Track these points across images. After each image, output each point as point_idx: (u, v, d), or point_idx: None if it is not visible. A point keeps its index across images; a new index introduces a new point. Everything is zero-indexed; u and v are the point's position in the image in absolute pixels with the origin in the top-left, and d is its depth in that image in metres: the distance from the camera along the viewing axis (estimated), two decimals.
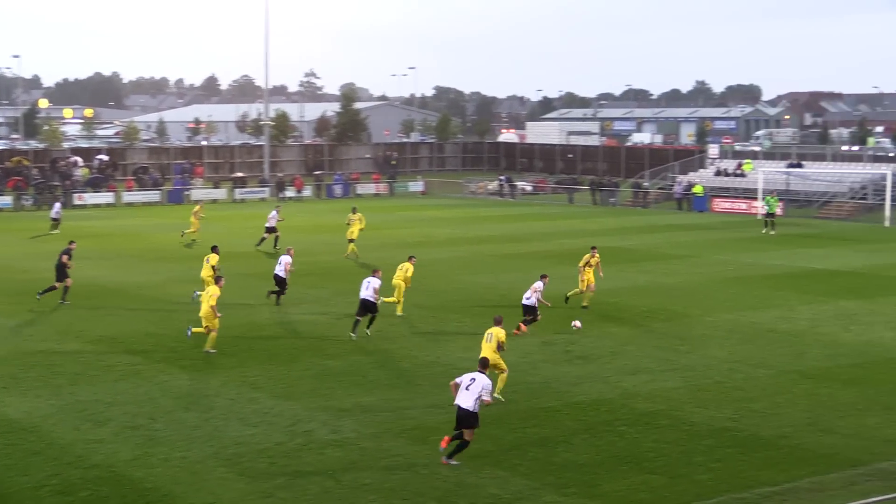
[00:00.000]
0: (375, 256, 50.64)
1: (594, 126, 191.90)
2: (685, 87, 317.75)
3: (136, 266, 48.25)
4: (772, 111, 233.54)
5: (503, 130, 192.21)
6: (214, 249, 39.45)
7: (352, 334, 32.82)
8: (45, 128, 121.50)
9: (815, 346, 32.00)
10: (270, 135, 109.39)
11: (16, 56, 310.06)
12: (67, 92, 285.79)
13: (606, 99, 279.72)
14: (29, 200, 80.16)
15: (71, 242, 40.58)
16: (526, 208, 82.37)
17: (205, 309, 30.73)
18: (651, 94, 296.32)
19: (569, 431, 23.25)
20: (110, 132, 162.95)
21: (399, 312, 36.01)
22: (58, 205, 64.99)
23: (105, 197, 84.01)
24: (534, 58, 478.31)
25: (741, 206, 78.72)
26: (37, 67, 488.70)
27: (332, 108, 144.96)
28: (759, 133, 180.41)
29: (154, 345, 31.79)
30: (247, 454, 21.78)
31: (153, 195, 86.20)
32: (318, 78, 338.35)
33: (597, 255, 38.30)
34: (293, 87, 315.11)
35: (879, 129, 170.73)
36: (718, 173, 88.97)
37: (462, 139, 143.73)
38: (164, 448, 22.11)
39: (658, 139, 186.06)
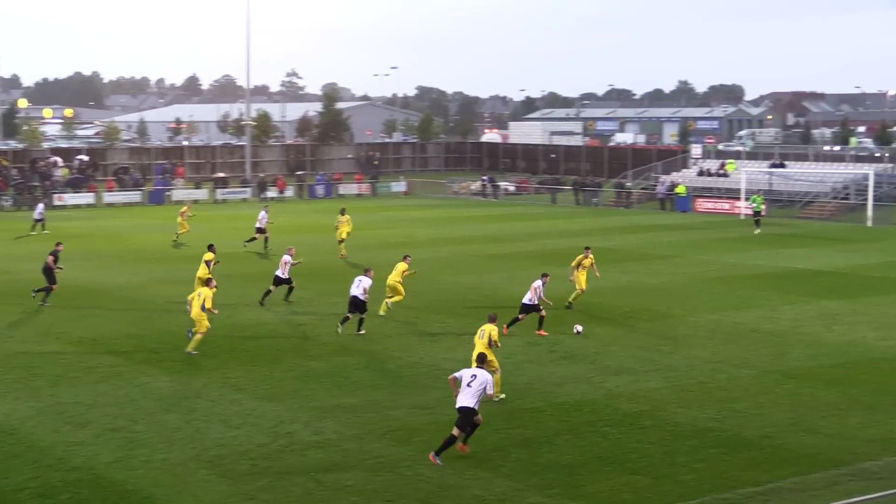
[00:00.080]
0: (357, 257, 50.61)
1: (577, 126, 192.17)
2: (668, 86, 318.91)
3: (117, 267, 48.04)
4: (754, 111, 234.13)
5: (486, 130, 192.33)
6: (211, 248, 39.32)
7: (339, 326, 33.05)
8: (25, 128, 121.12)
9: (798, 346, 32.02)
10: (252, 135, 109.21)
11: None
12: (47, 92, 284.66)
13: (589, 99, 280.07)
14: (8, 201, 79.84)
15: (58, 244, 40.39)
16: (509, 208, 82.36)
17: (196, 310, 30.50)
18: (634, 94, 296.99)
19: (552, 432, 23.19)
20: (90, 132, 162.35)
21: (381, 312, 35.91)
22: (41, 205, 64.73)
23: (85, 197, 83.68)
24: (516, 58, 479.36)
25: (724, 206, 78.86)
26: (16, 67, 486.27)
27: (314, 108, 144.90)
28: (741, 133, 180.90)
29: (135, 346, 31.62)
30: (229, 456, 21.64)
31: (134, 196, 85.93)
32: (299, 78, 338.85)
33: (590, 255, 38.11)
34: (275, 87, 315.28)
35: (862, 129, 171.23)
36: (701, 173, 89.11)
37: (444, 139, 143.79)
38: (145, 450, 21.95)
39: (641, 139, 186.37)
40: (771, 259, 51.54)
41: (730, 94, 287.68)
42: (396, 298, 36.21)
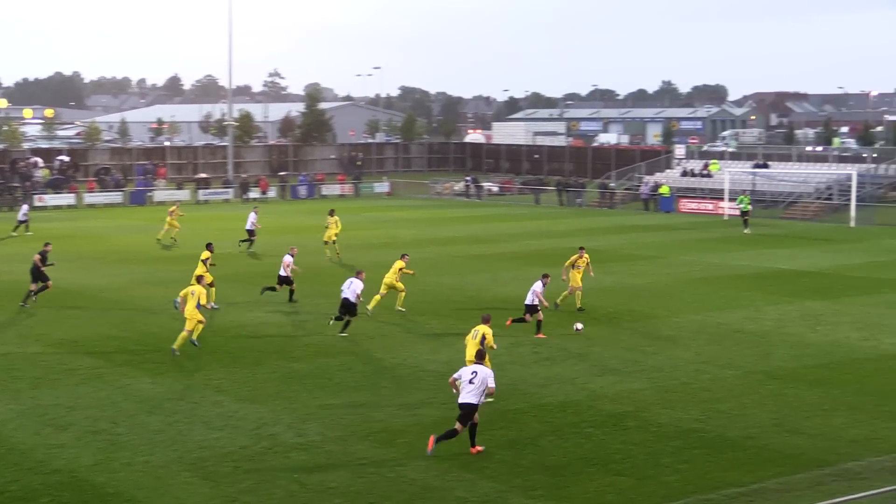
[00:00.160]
0: (331, 259, 50.51)
1: (560, 126, 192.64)
2: (651, 87, 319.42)
3: (98, 268, 47.80)
4: (738, 111, 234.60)
5: (469, 131, 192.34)
6: (209, 247, 39.07)
7: (331, 319, 33.36)
8: (5, 128, 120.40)
9: (782, 346, 32.05)
10: (234, 135, 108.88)
11: None
12: (27, 92, 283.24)
13: (573, 99, 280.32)
14: None
15: (46, 244, 40.18)
16: (492, 209, 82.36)
17: (190, 308, 30.48)
18: (617, 95, 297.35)
19: (536, 433, 23.14)
20: (71, 132, 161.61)
21: (369, 307, 35.96)
22: (25, 206, 64.50)
23: (66, 198, 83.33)
24: (500, 58, 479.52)
25: (708, 206, 79.02)
26: None
27: (296, 109, 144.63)
28: (725, 133, 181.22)
29: (116, 348, 31.45)
30: (211, 458, 21.52)
31: (115, 196, 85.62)
32: (282, 78, 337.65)
33: (585, 255, 38.01)
34: (257, 87, 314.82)
35: (844, 129, 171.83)
36: (685, 174, 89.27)
37: (428, 140, 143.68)
38: (126, 452, 21.81)
39: (624, 139, 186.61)
40: (754, 259, 51.62)
41: (713, 94, 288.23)
42: (401, 295, 36.59)
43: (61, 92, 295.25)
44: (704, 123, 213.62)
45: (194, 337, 30.86)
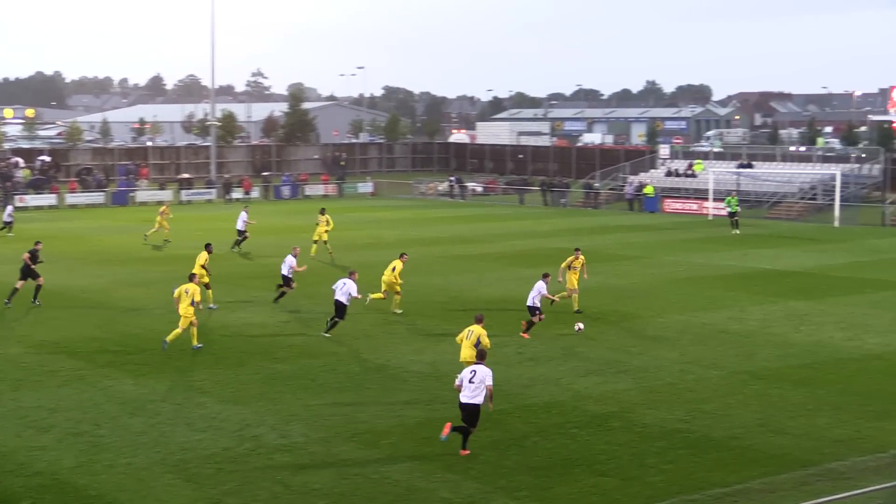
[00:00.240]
0: (321, 259, 50.38)
1: (545, 126, 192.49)
2: (636, 87, 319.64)
3: (80, 269, 47.56)
4: (722, 111, 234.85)
5: (453, 131, 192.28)
6: (207, 248, 38.89)
7: (326, 334, 33.08)
8: None
9: (766, 346, 32.07)
10: (217, 135, 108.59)
11: None
12: (8, 91, 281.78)
13: (557, 99, 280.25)
14: None
15: (37, 243, 39.98)
16: (476, 209, 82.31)
17: (185, 306, 30.48)
18: (601, 95, 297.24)
19: (520, 434, 23.08)
20: (52, 132, 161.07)
21: (396, 309, 36.46)
22: (10, 207, 64.19)
23: (47, 199, 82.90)
24: (484, 57, 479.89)
25: (692, 206, 79.09)
26: None
27: (279, 109, 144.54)
28: (709, 133, 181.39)
29: (98, 349, 31.28)
30: (194, 460, 21.41)
31: (97, 197, 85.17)
32: (265, 78, 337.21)
33: (581, 256, 37.90)
34: (240, 87, 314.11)
35: (828, 129, 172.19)
36: (669, 174, 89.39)
37: (411, 139, 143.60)
38: (108, 454, 21.69)
39: (609, 139, 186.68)
40: (739, 259, 51.69)
41: (697, 94, 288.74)
42: (378, 296, 36.39)
43: (42, 91, 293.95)
44: (689, 123, 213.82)
45: (194, 342, 30.85)
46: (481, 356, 22.34)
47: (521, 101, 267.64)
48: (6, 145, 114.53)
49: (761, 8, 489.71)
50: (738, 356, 30.77)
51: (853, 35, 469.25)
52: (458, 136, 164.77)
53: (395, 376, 28.29)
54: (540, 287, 33.14)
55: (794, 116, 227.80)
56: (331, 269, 46.52)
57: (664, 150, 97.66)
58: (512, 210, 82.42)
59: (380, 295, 36.50)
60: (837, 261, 51.50)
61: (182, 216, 72.36)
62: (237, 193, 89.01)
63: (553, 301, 35.16)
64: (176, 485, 20.10)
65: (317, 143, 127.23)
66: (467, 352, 25.48)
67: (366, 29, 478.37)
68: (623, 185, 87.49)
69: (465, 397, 21.68)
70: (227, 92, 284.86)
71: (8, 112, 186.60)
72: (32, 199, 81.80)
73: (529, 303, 33.14)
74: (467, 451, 21.78)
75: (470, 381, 21.61)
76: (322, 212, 53.02)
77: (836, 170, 76.73)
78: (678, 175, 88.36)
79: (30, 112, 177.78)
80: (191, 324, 30.70)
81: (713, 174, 79.44)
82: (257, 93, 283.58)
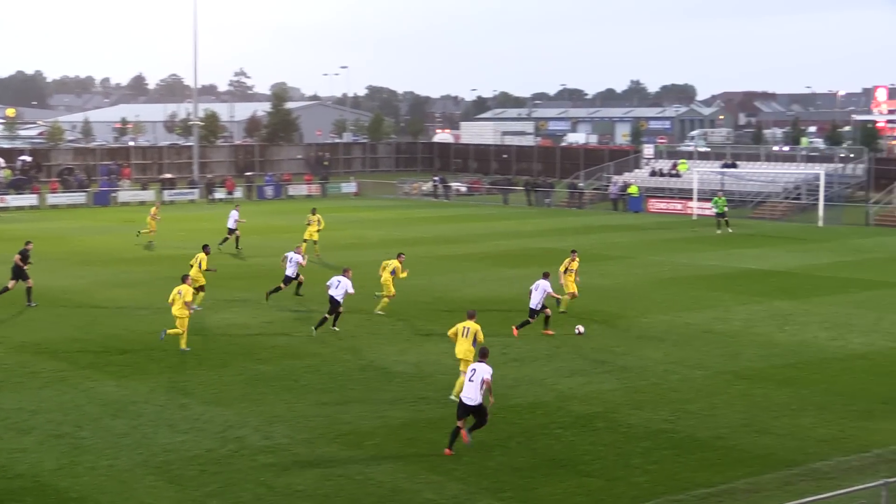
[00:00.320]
0: (310, 258, 50.16)
1: (529, 126, 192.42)
2: (620, 86, 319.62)
3: (62, 269, 47.31)
4: (706, 111, 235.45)
5: (437, 130, 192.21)
6: (205, 249, 38.79)
7: (334, 327, 33.18)
8: None
9: (750, 346, 32.07)
10: (199, 135, 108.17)
11: None
12: None
13: (541, 99, 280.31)
14: None
15: (27, 242, 39.82)
16: (460, 209, 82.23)
17: (178, 308, 30.51)
18: (586, 94, 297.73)
19: (505, 435, 23.01)
20: (34, 132, 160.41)
21: (378, 310, 36.59)
22: None
23: (28, 199, 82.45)
24: (468, 57, 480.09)
25: (676, 206, 79.14)
26: None
27: (262, 108, 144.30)
28: (693, 133, 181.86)
29: (80, 350, 31.10)
30: (177, 462, 21.30)
31: (78, 197, 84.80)
32: (248, 77, 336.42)
33: (576, 258, 37.86)
34: (223, 87, 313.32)
35: (812, 129, 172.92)
36: (654, 173, 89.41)
37: (395, 139, 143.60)
38: (90, 456, 21.55)
39: (593, 139, 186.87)
40: (723, 259, 51.74)
41: (682, 94, 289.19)
42: (382, 293, 36.72)
43: (23, 91, 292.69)
44: (673, 123, 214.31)
45: (182, 346, 30.75)
46: (483, 354, 22.46)
47: (505, 100, 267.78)
48: None
49: (746, 7, 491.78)
50: (722, 356, 30.76)
51: (837, 35, 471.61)
52: (442, 136, 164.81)
53: (378, 377, 28.20)
54: (545, 287, 33.10)
55: (779, 116, 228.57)
56: (318, 268, 46.32)
57: (648, 150, 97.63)
58: (496, 210, 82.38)
59: (384, 293, 36.94)
60: (821, 260, 51.60)
61: (164, 216, 72.12)
62: (220, 194, 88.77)
63: (559, 300, 35.13)
64: (158, 487, 19.97)
65: (300, 143, 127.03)
66: (463, 348, 25.62)
67: (349, 28, 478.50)
68: (607, 185, 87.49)
69: (465, 398, 21.77)
70: (209, 91, 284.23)
71: None
72: (13, 200, 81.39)
73: (533, 305, 33.07)
74: (450, 452, 21.76)
75: (470, 381, 21.75)
76: (313, 211, 53.06)
77: (819, 169, 76.93)
78: (662, 175, 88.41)
79: (10, 112, 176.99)
80: (184, 321, 30.75)
81: (697, 174, 79.53)
82: (240, 92, 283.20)
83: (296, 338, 32.84)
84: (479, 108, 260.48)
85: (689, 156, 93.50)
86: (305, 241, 51.24)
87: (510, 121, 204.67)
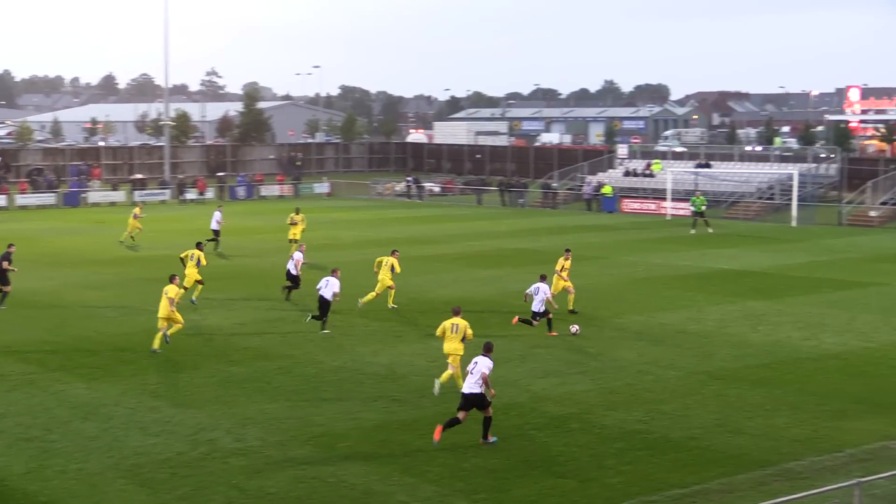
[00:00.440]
0: (277, 261, 50.04)
1: (502, 126, 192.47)
2: (594, 86, 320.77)
3: (31, 271, 46.71)
4: (680, 111, 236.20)
5: (411, 130, 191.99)
6: (199, 246, 39.00)
7: (325, 331, 33.25)
8: None
9: (724, 346, 32.10)
10: (171, 135, 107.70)
11: None
12: None
13: (514, 98, 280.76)
14: None
15: (10, 245, 39.48)
16: (434, 210, 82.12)
17: (164, 307, 30.54)
18: (559, 94, 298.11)
19: (478, 436, 22.88)
20: (2, 132, 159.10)
21: (391, 304, 37.32)
22: None
23: None
24: (441, 57, 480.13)
25: (650, 206, 79.25)
26: None
27: (234, 108, 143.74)
28: (667, 133, 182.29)
29: (49, 353, 30.85)
30: (147, 465, 21.12)
31: (48, 198, 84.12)
32: (219, 77, 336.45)
33: (570, 257, 37.78)
34: (194, 86, 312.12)
35: (786, 129, 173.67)
36: (627, 173, 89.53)
37: (368, 139, 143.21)
38: (60, 460, 21.34)
39: (567, 139, 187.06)
40: (697, 259, 51.81)
41: (655, 93, 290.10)
42: (370, 296, 36.96)
43: None
44: (647, 123, 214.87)
45: (154, 345, 30.70)
46: (487, 349, 22.82)
47: (479, 100, 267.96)
48: None
49: (719, 7, 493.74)
50: (696, 356, 30.77)
51: (810, 35, 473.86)
52: (416, 136, 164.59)
53: (351, 378, 28.07)
54: (544, 290, 33.20)
55: (752, 116, 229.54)
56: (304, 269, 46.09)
57: (622, 150, 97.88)
58: (469, 210, 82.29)
59: (391, 294, 37.48)
60: (795, 260, 51.74)
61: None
62: (191, 194, 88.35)
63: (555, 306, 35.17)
64: (129, 490, 19.80)
65: (272, 143, 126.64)
66: (451, 345, 25.88)
67: (322, 28, 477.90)
68: (581, 185, 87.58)
69: (466, 388, 22.23)
70: (181, 91, 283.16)
71: None
72: None
73: (535, 308, 33.13)
74: (491, 439, 22.37)
75: (471, 373, 22.18)
76: (297, 211, 53.06)
77: (793, 169, 77.16)
78: (636, 175, 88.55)
79: None
80: (167, 324, 30.75)
81: (671, 174, 79.65)
82: (212, 92, 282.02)
83: (268, 339, 32.68)
84: (452, 107, 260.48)
85: (663, 156, 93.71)
86: (292, 241, 51.25)
87: (484, 121, 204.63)
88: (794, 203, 71.72)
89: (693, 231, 63.89)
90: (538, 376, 28.34)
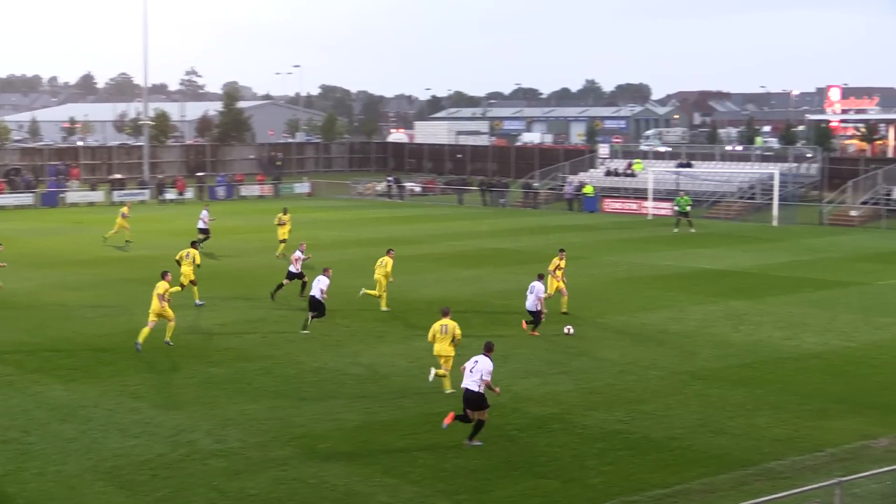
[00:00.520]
0: (257, 261, 50.00)
1: (483, 125, 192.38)
2: (575, 86, 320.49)
3: (8, 272, 46.24)
4: (661, 110, 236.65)
5: (391, 130, 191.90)
6: (194, 245, 39.26)
7: (305, 331, 33.14)
8: None
9: (706, 346, 32.11)
10: (150, 135, 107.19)
11: None
12: None
13: (496, 98, 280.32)
14: None
15: None
16: (415, 209, 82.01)
17: (154, 304, 30.52)
18: (541, 94, 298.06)
19: (460, 437, 22.79)
20: None
21: (383, 307, 36.86)
22: None
23: None
24: (422, 56, 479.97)
25: (632, 206, 79.27)
26: None
27: (214, 108, 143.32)
28: (648, 133, 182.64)
29: (27, 354, 30.63)
30: (127, 466, 20.98)
31: (26, 198, 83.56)
32: (199, 76, 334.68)
33: (564, 257, 37.69)
34: (173, 86, 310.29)
35: (767, 128, 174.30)
36: (609, 173, 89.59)
37: (349, 139, 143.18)
38: (38, 462, 21.18)
39: (548, 139, 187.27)
40: (678, 259, 51.86)
41: (637, 93, 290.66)
42: (373, 293, 37.08)
43: None
44: (628, 123, 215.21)
45: (139, 339, 30.69)
46: (488, 348, 22.93)
47: (460, 100, 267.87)
48: None
49: (700, 6, 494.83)
50: (677, 356, 30.77)
51: (791, 34, 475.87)
52: (397, 136, 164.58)
53: (332, 379, 27.96)
54: (539, 289, 33.12)
55: (733, 115, 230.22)
56: (278, 272, 46.00)
57: (604, 150, 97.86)
58: (451, 210, 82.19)
59: (383, 296, 37.27)
60: (776, 260, 51.83)
61: (114, 217, 71.38)
62: (171, 194, 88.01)
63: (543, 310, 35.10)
64: (108, 492, 19.68)
65: (252, 143, 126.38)
66: (441, 346, 25.95)
67: (302, 27, 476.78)
68: (562, 185, 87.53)
69: (465, 384, 22.39)
70: (160, 91, 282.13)
71: None
72: None
73: (530, 307, 33.05)
74: (473, 443, 22.32)
75: (471, 371, 22.31)
76: (285, 211, 52.98)
77: (774, 169, 77.39)
78: (618, 175, 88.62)
79: None
80: (154, 321, 30.73)
81: (653, 174, 79.71)
82: (191, 91, 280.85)
83: (248, 340, 32.54)
84: (433, 107, 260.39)
85: (645, 155, 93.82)
86: (280, 241, 51.27)
87: (465, 120, 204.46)
88: (776, 203, 71.89)
89: (676, 230, 64.00)
90: (520, 376, 28.27)
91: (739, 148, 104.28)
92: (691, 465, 21.32)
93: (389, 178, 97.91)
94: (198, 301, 37.74)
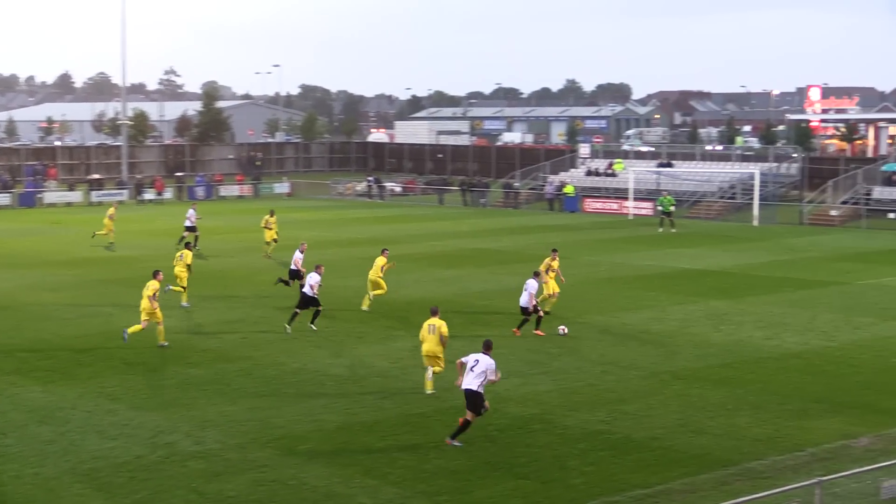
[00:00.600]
0: (237, 261, 49.81)
1: (464, 125, 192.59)
2: (556, 85, 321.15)
3: None
4: (642, 110, 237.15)
5: (372, 130, 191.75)
6: (188, 246, 39.35)
7: (287, 326, 33.22)
8: None
9: (687, 346, 32.11)
10: (128, 135, 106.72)
11: None
12: None
13: (476, 98, 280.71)
14: None
15: None
16: (395, 210, 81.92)
17: (144, 303, 30.55)
18: (521, 93, 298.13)
19: (441, 438, 22.77)
20: None
21: (364, 307, 37.04)
22: None
23: None
24: (402, 56, 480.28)
25: (612, 206, 79.32)
26: None
27: (193, 107, 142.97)
28: (629, 132, 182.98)
29: (4, 355, 30.43)
30: (105, 468, 20.86)
31: (3, 198, 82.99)
32: (178, 76, 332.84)
33: (557, 258, 37.66)
34: (152, 85, 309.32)
35: (747, 128, 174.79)
36: (589, 173, 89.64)
37: (329, 139, 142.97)
38: (14, 465, 21.03)
39: (529, 138, 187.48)
40: (659, 259, 51.89)
41: (617, 93, 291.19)
42: (378, 292, 37.10)
43: None
44: (609, 122, 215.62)
45: (130, 330, 30.81)
46: (487, 347, 22.90)
47: (440, 99, 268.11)
48: None
49: (680, 6, 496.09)
50: (658, 356, 30.75)
51: (772, 34, 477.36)
52: (377, 136, 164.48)
53: (312, 380, 27.86)
54: (531, 287, 33.04)
55: (714, 115, 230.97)
56: (276, 267, 45.86)
57: (584, 150, 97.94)
58: (431, 210, 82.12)
59: (380, 292, 37.35)
60: (756, 260, 51.92)
61: (92, 218, 71.02)
62: (149, 194, 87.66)
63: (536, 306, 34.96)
64: (86, 494, 19.58)
65: (232, 143, 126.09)
66: (428, 346, 25.94)
67: (282, 26, 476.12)
68: (543, 185, 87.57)
69: (465, 383, 22.25)
70: (138, 90, 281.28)
71: None
72: None
73: (523, 304, 33.00)
74: (457, 444, 22.18)
75: (471, 370, 22.20)
76: (272, 213, 52.84)
77: (754, 169, 77.56)
78: (598, 174, 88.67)
79: None
80: (147, 321, 30.78)
81: (633, 174, 79.80)
82: (170, 91, 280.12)
83: (228, 341, 32.41)
84: (413, 107, 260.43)
85: (626, 155, 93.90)
86: (275, 241, 51.15)
87: (445, 120, 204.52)
88: (756, 202, 72.06)
89: (661, 230, 64.10)
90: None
91: (720, 148, 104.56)
92: (672, 465, 21.29)
93: (370, 178, 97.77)
94: (184, 303, 37.56)
